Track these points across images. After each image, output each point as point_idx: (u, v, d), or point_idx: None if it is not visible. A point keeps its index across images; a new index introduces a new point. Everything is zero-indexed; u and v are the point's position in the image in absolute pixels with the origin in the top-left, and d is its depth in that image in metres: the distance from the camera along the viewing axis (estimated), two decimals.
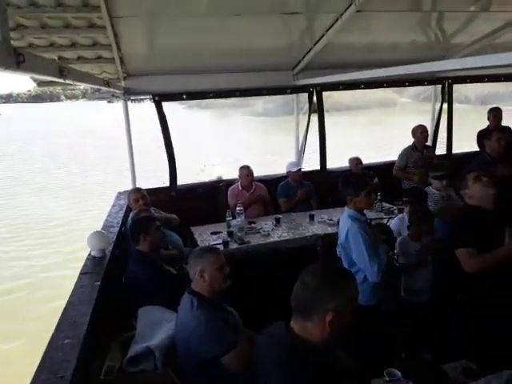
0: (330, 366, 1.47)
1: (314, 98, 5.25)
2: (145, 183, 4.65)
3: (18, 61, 1.39)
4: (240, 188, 4.74)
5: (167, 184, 5.05)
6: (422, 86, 6.08)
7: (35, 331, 4.55)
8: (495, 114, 5.13)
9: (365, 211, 2.85)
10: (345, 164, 5.21)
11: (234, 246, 3.73)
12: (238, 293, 2.51)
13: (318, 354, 1.42)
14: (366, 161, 5.28)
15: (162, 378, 2.08)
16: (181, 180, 5.11)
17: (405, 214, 3.50)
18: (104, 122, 26.70)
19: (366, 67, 3.54)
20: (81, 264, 2.76)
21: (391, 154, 5.45)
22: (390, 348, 2.50)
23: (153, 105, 4.72)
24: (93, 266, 2.73)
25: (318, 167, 5.58)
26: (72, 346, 1.82)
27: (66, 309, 2.17)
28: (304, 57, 4.44)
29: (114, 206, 4.28)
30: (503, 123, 5.14)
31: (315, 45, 4.06)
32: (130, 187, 4.59)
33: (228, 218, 4.14)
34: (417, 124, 4.99)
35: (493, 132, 4.08)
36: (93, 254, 2.86)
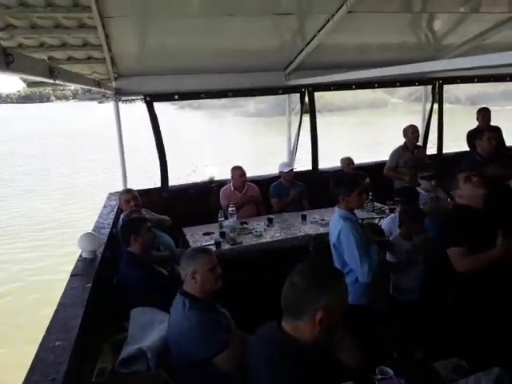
0: (321, 365, 1.47)
1: (306, 99, 5.27)
2: (136, 184, 4.63)
3: (7, 61, 1.38)
4: (232, 188, 4.73)
5: (158, 185, 5.03)
6: (413, 87, 6.13)
7: (26, 336, 4.48)
8: (484, 114, 5.19)
9: (356, 211, 2.87)
10: (337, 164, 5.24)
11: (226, 246, 3.73)
12: (231, 293, 2.51)
13: (309, 353, 1.42)
14: (357, 161, 5.31)
15: (155, 379, 2.08)
16: (172, 181, 5.09)
17: (396, 213, 3.52)
18: (95, 123, 26.50)
19: (358, 68, 3.56)
20: (72, 267, 2.74)
21: (382, 154, 5.48)
22: (381, 347, 2.51)
23: (144, 105, 4.71)
24: (84, 267, 2.71)
25: (310, 167, 5.60)
26: (63, 348, 1.81)
27: (57, 311, 2.15)
28: (296, 57, 4.45)
29: (105, 207, 4.25)
30: (492, 123, 5.21)
31: (307, 45, 4.07)
32: (121, 188, 4.57)
33: (220, 219, 4.14)
34: (408, 124, 5.03)
35: (484, 132, 4.12)
36: (84, 255, 2.84)
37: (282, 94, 5.29)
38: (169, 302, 2.24)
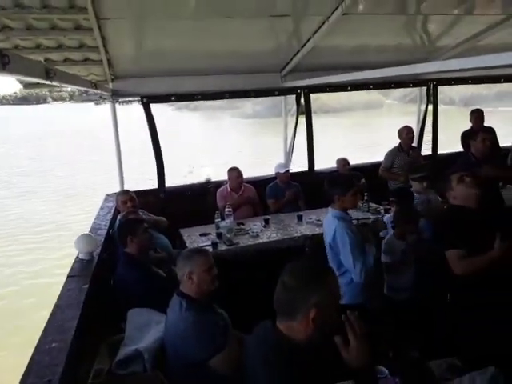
0: (317, 363, 1.48)
1: (302, 100, 5.29)
2: (133, 185, 4.63)
3: (3, 62, 1.39)
4: (229, 190, 4.74)
5: (155, 186, 5.04)
6: (407, 88, 6.17)
7: (21, 341, 4.46)
8: (477, 115, 5.24)
9: (352, 211, 2.89)
10: (332, 165, 5.26)
11: (222, 247, 3.74)
12: (227, 294, 2.51)
13: (304, 352, 1.43)
14: (354, 162, 5.34)
15: (152, 380, 2.08)
16: (169, 182, 5.10)
17: (391, 214, 3.54)
18: (92, 124, 26.42)
19: (353, 69, 3.58)
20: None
21: (378, 155, 5.51)
22: (377, 346, 2.52)
23: (141, 107, 4.71)
24: (80, 268, 2.71)
25: (306, 168, 5.62)
26: (59, 349, 1.81)
27: (53, 312, 2.15)
28: (292, 59, 4.47)
29: (102, 208, 4.25)
30: (486, 124, 5.25)
31: (303, 47, 4.09)
32: (118, 189, 4.57)
33: (217, 220, 4.15)
34: (403, 125, 5.06)
35: (478, 133, 4.14)
36: (80, 256, 2.83)
37: (278, 95, 5.31)
38: (166, 303, 2.24)
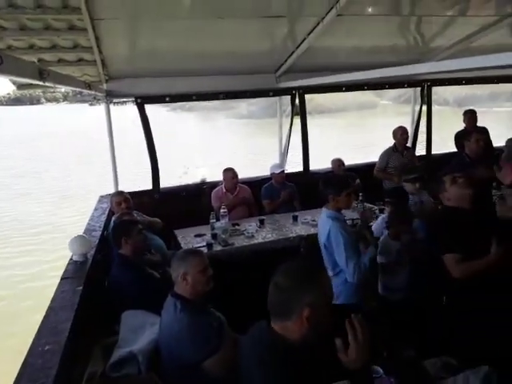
0: (312, 363, 1.48)
1: (297, 101, 5.29)
2: (129, 186, 4.61)
3: None
4: (224, 190, 4.73)
5: (150, 187, 5.02)
6: (402, 89, 6.20)
7: (16, 345, 4.41)
8: (470, 116, 5.29)
9: (347, 212, 2.89)
10: (328, 165, 5.27)
11: (218, 248, 3.73)
12: (223, 294, 2.51)
13: (299, 352, 1.43)
14: (349, 162, 5.35)
15: (146, 383, 2.06)
16: (164, 183, 5.08)
17: (386, 214, 3.55)
18: (86, 125, 26.30)
19: (348, 70, 3.59)
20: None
21: (373, 155, 5.52)
22: (372, 346, 2.52)
23: (135, 107, 4.70)
24: (74, 270, 2.69)
25: (301, 169, 5.62)
26: (53, 352, 1.79)
27: (46, 315, 2.13)
28: (286, 60, 4.48)
29: (96, 209, 4.23)
30: (479, 124, 5.29)
31: (297, 48, 4.10)
32: (112, 190, 4.55)
33: (212, 221, 4.13)
34: (397, 126, 5.08)
35: (472, 133, 4.17)
36: (74, 258, 2.82)
37: (273, 96, 5.31)
38: (160, 305, 2.23)
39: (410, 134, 5.31)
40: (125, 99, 4.77)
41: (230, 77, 4.68)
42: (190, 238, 3.97)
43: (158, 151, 4.90)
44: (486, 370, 1.84)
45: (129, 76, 4.42)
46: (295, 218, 4.30)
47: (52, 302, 2.27)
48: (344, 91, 5.59)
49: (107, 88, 4.44)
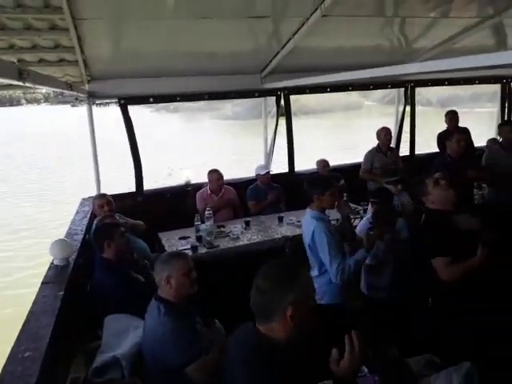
0: (297, 363, 1.49)
1: (282, 102, 5.29)
2: (114, 189, 4.54)
3: None
4: (209, 192, 4.70)
5: (133, 189, 4.95)
6: (386, 90, 6.26)
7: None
8: (451, 117, 5.38)
9: (332, 212, 2.90)
10: (313, 166, 5.28)
11: (203, 250, 3.70)
12: (208, 297, 2.49)
13: (283, 352, 1.44)
14: (334, 163, 5.37)
15: None
16: (147, 185, 5.02)
17: (369, 214, 3.57)
18: (68, 126, 25.89)
19: (333, 71, 3.61)
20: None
21: (358, 156, 5.56)
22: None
23: (118, 108, 4.63)
24: (55, 275, 2.64)
25: (287, 169, 5.62)
26: (33, 359, 1.75)
27: (27, 320, 2.08)
28: (271, 60, 4.47)
29: (77, 212, 4.15)
30: (461, 124, 5.37)
31: (282, 48, 4.09)
32: (94, 193, 4.47)
33: (196, 223, 4.10)
34: (381, 126, 5.12)
35: (453, 133, 4.24)
36: (55, 262, 2.76)
37: (258, 97, 5.30)
38: (144, 309, 2.20)
39: (393, 135, 5.36)
40: (108, 100, 4.70)
41: (215, 77, 4.65)
42: (174, 241, 3.93)
43: (141, 153, 4.84)
44: (468, 366, 1.87)
45: (112, 77, 4.35)
46: (281, 219, 4.30)
47: (32, 307, 2.22)
48: (329, 92, 5.62)
49: (89, 89, 4.37)
